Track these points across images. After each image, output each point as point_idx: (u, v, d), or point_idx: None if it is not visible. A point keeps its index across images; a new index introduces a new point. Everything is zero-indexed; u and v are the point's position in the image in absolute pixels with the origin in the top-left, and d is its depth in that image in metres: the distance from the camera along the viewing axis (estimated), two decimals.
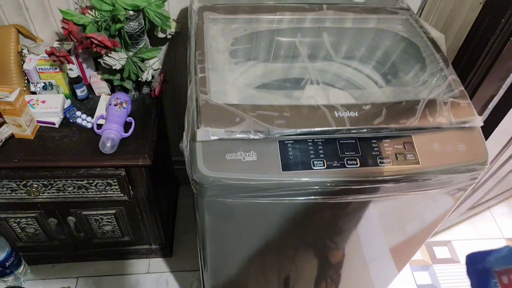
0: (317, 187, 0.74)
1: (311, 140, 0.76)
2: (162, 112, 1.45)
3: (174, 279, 1.58)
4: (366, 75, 1.05)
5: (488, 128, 1.18)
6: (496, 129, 1.17)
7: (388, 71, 1.06)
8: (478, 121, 0.82)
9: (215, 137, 0.73)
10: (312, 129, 0.75)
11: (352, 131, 0.76)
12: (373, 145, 0.78)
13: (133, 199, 1.29)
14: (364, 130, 0.76)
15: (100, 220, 1.39)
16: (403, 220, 0.95)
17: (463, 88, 0.86)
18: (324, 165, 0.74)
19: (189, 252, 1.66)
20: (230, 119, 0.75)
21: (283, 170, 0.73)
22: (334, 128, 0.75)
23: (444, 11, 1.23)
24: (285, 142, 0.76)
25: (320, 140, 0.77)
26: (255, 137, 0.74)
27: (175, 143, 1.64)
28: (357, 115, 0.77)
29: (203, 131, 0.73)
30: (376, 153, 0.77)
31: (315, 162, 0.75)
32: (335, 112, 0.77)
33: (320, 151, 0.76)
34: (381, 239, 1.01)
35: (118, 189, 1.23)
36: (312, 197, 0.76)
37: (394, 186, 0.78)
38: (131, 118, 1.19)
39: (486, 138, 1.08)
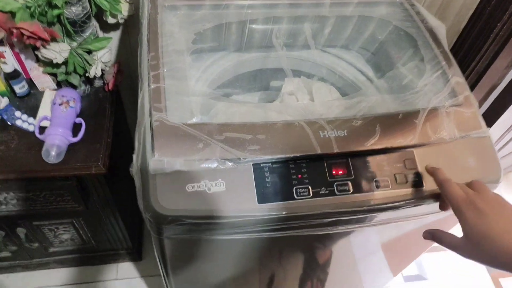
0: (301, 222, 0.61)
1: (292, 162, 0.62)
2: (121, 106, 1.27)
3: (145, 284, 1.45)
4: (358, 69, 0.90)
5: (490, 118, 1.06)
6: (499, 120, 1.05)
7: (379, 63, 0.91)
8: (486, 133, 0.69)
9: (172, 169, 0.57)
10: (292, 155, 0.60)
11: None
12: (367, 164, 0.64)
13: (90, 209, 1.13)
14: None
15: (56, 230, 1.23)
16: (402, 244, 0.83)
17: (469, 93, 0.72)
18: (309, 194, 0.60)
19: None
20: (192, 144, 0.59)
21: (259, 203, 0.59)
22: (319, 153, 0.60)
23: None
24: (261, 166, 0.61)
25: (304, 161, 0.62)
26: (222, 167, 0.59)
27: None
28: (345, 134, 0.62)
29: (157, 162, 0.58)
30: (372, 174, 0.63)
31: (298, 191, 0.60)
32: (320, 132, 0.62)
33: (304, 176, 0.61)
34: (376, 261, 0.89)
35: (71, 200, 1.07)
36: (295, 231, 0.63)
37: (393, 213, 0.65)
38: (80, 118, 1.02)
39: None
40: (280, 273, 1.00)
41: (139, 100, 0.65)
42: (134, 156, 0.62)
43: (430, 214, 0.68)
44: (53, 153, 0.94)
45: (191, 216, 0.57)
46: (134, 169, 0.61)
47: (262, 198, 0.59)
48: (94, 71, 0.95)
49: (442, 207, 0.63)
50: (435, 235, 0.59)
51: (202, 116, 0.67)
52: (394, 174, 0.64)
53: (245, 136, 0.61)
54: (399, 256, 0.97)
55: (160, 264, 0.75)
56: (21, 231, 1.21)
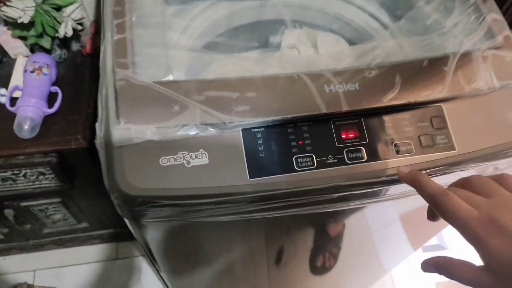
0: (304, 198, 0.49)
1: (291, 125, 0.50)
2: None
3: (147, 263, 1.38)
4: (371, 14, 0.76)
5: None
6: None
7: (395, 4, 0.77)
8: None
9: (141, 139, 0.46)
10: (290, 116, 0.48)
11: None
12: (385, 124, 0.51)
13: (77, 187, 1.03)
14: None
15: (46, 210, 1.15)
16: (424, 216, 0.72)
17: (509, 32, 0.58)
18: (313, 164, 0.49)
19: None
20: (165, 107, 0.48)
21: (250, 177, 0.47)
22: (324, 112, 0.48)
23: None
24: (252, 131, 0.49)
25: (306, 124, 0.50)
26: (204, 134, 0.47)
27: None
28: (357, 88, 0.50)
29: (123, 131, 0.46)
30: (391, 137, 0.51)
31: (299, 160, 0.49)
32: (325, 87, 0.50)
33: (306, 142, 0.49)
34: (394, 235, 0.78)
35: (55, 178, 0.97)
36: (297, 209, 0.51)
37: None
38: (56, 87, 0.90)
39: None
40: (289, 248, 0.90)
41: (101, 56, 0.53)
42: (97, 125, 0.51)
43: None
44: (26, 127, 0.83)
45: (167, 196, 0.46)
46: (98, 141, 0.50)
47: (255, 171, 0.47)
48: (64, 30, 0.83)
49: (432, 217, 0.43)
50: (440, 266, 0.37)
51: (181, 73, 0.55)
52: (419, 136, 0.51)
53: (231, 95, 0.49)
54: (421, 230, 0.86)
55: (145, 252, 0.65)
56: (8, 213, 1.12)
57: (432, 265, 0.38)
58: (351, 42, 0.82)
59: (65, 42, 0.96)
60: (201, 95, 0.49)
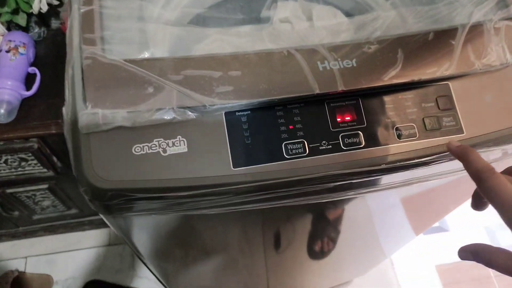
0: (294, 189, 0.44)
1: (280, 107, 0.45)
2: None
3: None
4: None
5: None
6: None
7: None
8: None
9: (111, 125, 0.41)
10: (278, 98, 0.43)
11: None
12: (385, 106, 0.46)
13: (63, 173, 0.98)
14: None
15: (33, 197, 1.10)
16: (427, 202, 0.67)
17: None
18: (304, 151, 0.44)
19: None
20: (138, 89, 0.42)
21: (234, 167, 0.42)
22: (317, 92, 0.43)
23: None
24: (237, 115, 0.44)
25: (297, 106, 0.45)
26: (181, 119, 0.42)
27: None
28: (354, 65, 0.44)
29: (90, 116, 0.41)
30: (392, 119, 0.46)
31: (289, 147, 0.43)
32: (319, 64, 0.44)
33: (297, 126, 0.44)
34: (394, 222, 0.74)
35: (38, 164, 0.92)
36: (288, 201, 0.46)
37: (421, 171, 0.48)
38: (34, 68, 0.84)
39: None
40: (286, 233, 0.86)
41: (67, 31, 0.47)
42: (64, 110, 0.45)
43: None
44: (2, 111, 0.78)
45: (140, 188, 0.41)
46: (65, 127, 0.45)
47: (239, 160, 0.42)
48: (38, 5, 0.77)
49: (477, 206, 0.41)
50: (479, 254, 0.35)
51: (162, 51, 0.50)
52: (423, 118, 0.46)
53: (212, 74, 0.43)
54: (423, 215, 0.81)
55: (128, 245, 0.61)
56: None
57: (470, 252, 0.36)
58: (350, 15, 0.75)
59: (43, 19, 0.89)
60: (178, 74, 0.43)
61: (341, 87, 0.43)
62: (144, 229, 0.54)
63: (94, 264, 1.31)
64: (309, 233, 0.88)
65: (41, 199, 1.12)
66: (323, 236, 0.95)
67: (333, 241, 1.02)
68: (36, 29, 0.88)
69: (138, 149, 0.42)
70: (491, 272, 1.42)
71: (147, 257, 0.66)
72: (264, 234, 0.76)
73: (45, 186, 1.05)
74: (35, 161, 0.91)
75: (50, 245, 1.33)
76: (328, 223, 0.82)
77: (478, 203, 0.40)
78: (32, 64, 0.86)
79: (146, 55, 0.46)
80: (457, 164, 0.47)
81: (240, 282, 1.14)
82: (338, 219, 0.77)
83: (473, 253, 0.36)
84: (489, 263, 0.34)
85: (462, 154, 0.38)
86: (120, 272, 1.29)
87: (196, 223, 0.55)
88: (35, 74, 0.84)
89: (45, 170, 0.94)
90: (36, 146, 0.85)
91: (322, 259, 1.12)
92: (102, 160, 0.41)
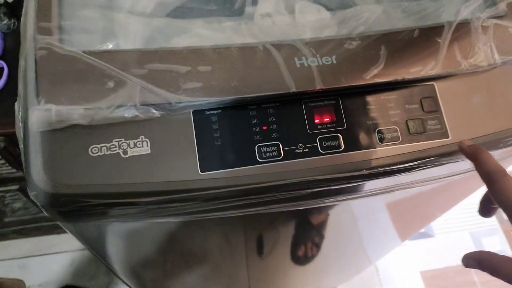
0: (267, 196, 0.41)
1: (254, 106, 0.41)
2: None
3: None
4: None
5: None
6: None
7: None
8: None
9: (66, 123, 0.37)
10: (252, 96, 0.39)
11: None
12: (367, 106, 0.43)
13: None
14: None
15: (3, 198, 1.05)
16: (413, 209, 0.64)
17: None
18: (279, 154, 0.40)
19: None
20: (97, 83, 0.38)
21: (202, 171, 0.39)
22: (293, 91, 0.39)
23: None
24: (206, 113, 0.40)
25: (272, 105, 0.41)
26: (145, 117, 0.38)
27: None
28: (334, 62, 0.41)
29: (42, 112, 0.37)
30: (373, 121, 0.43)
31: (263, 150, 0.40)
32: (295, 60, 0.41)
33: (272, 127, 0.41)
34: (379, 230, 0.71)
35: (6, 164, 0.87)
36: (261, 207, 0.43)
37: (404, 177, 0.45)
38: (2, 62, 0.80)
39: None
40: (268, 237, 0.82)
41: (22, 19, 0.43)
42: (16, 105, 0.41)
43: (456, 176, 0.48)
44: None
45: (97, 194, 0.37)
46: (17, 124, 0.41)
47: (207, 163, 0.39)
48: None
49: (485, 213, 0.40)
50: (483, 263, 0.34)
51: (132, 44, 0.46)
52: (406, 121, 0.43)
53: (179, 68, 0.40)
54: (409, 221, 0.79)
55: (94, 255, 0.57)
56: None
57: (475, 260, 0.35)
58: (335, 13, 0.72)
59: (13, 10, 0.84)
60: (142, 68, 0.39)
61: (319, 86, 0.40)
62: (108, 238, 0.50)
63: (68, 269, 1.26)
64: (291, 239, 0.84)
65: (11, 201, 1.07)
66: (306, 241, 0.92)
67: (317, 246, 0.99)
68: (5, 21, 0.83)
69: (95, 150, 0.38)
70: (477, 278, 1.41)
71: (116, 266, 0.62)
72: (243, 241, 0.73)
73: (15, 187, 1.00)
74: (2, 161, 0.86)
75: (23, 248, 1.28)
76: (310, 228, 0.79)
77: (486, 209, 0.39)
78: None
79: (110, 46, 0.43)
80: (443, 170, 0.44)
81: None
82: (321, 225, 0.74)
83: (478, 261, 0.35)
84: (494, 272, 0.33)
85: (473, 154, 0.37)
86: (95, 278, 1.24)
87: (165, 230, 0.52)
88: (2, 68, 0.79)
89: (14, 170, 0.89)
90: (2, 145, 0.80)
91: (306, 265, 1.09)
92: (54, 162, 0.37)
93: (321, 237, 0.88)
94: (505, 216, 0.33)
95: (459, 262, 0.37)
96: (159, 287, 0.91)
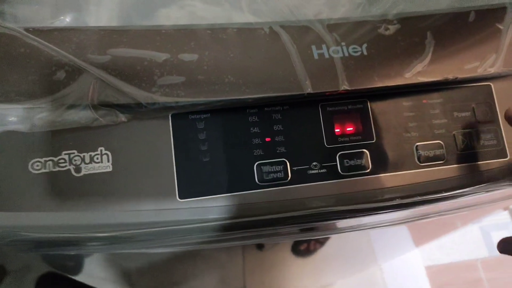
0: (269, 230, 0.31)
1: (254, 111, 0.31)
2: None
3: None
4: None
5: None
6: None
7: None
8: None
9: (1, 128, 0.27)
10: (252, 97, 0.29)
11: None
12: (404, 114, 0.33)
13: None
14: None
15: None
16: (436, 223, 0.55)
17: None
18: (285, 176, 0.30)
19: None
20: (42, 73, 0.28)
21: (181, 197, 0.29)
22: (308, 91, 0.29)
23: None
24: (190, 118, 0.30)
25: (278, 109, 0.31)
26: (105, 122, 0.28)
27: None
28: (365, 52, 0.30)
29: None
30: (411, 134, 0.32)
31: (264, 170, 0.30)
32: (313, 49, 0.30)
33: (277, 139, 0.31)
34: (395, 238, 0.62)
35: None
36: (259, 239, 0.33)
37: (447, 204, 0.35)
38: None
39: None
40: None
41: None
42: None
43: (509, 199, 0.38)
44: None
45: (37, 227, 0.27)
46: None
47: (189, 187, 0.29)
48: None
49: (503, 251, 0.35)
50: None
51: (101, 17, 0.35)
52: (454, 134, 0.33)
53: (154, 56, 0.29)
54: (427, 231, 0.70)
55: None
56: None
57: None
58: None
59: None
60: (104, 54, 0.29)
61: (343, 86, 0.30)
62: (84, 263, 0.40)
63: None
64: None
65: None
66: (309, 240, 0.83)
67: (321, 242, 0.91)
68: None
69: (37, 166, 0.28)
70: (483, 274, 1.34)
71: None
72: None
73: None
74: None
75: None
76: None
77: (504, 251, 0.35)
78: None
79: (66, 21, 0.32)
80: (495, 195, 0.34)
81: None
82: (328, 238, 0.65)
83: None
84: None
85: None
86: None
87: (135, 262, 0.42)
88: None
89: None
90: None
91: (306, 257, 1.02)
92: None
93: (327, 238, 0.80)
94: None
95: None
96: (146, 276, 0.84)
